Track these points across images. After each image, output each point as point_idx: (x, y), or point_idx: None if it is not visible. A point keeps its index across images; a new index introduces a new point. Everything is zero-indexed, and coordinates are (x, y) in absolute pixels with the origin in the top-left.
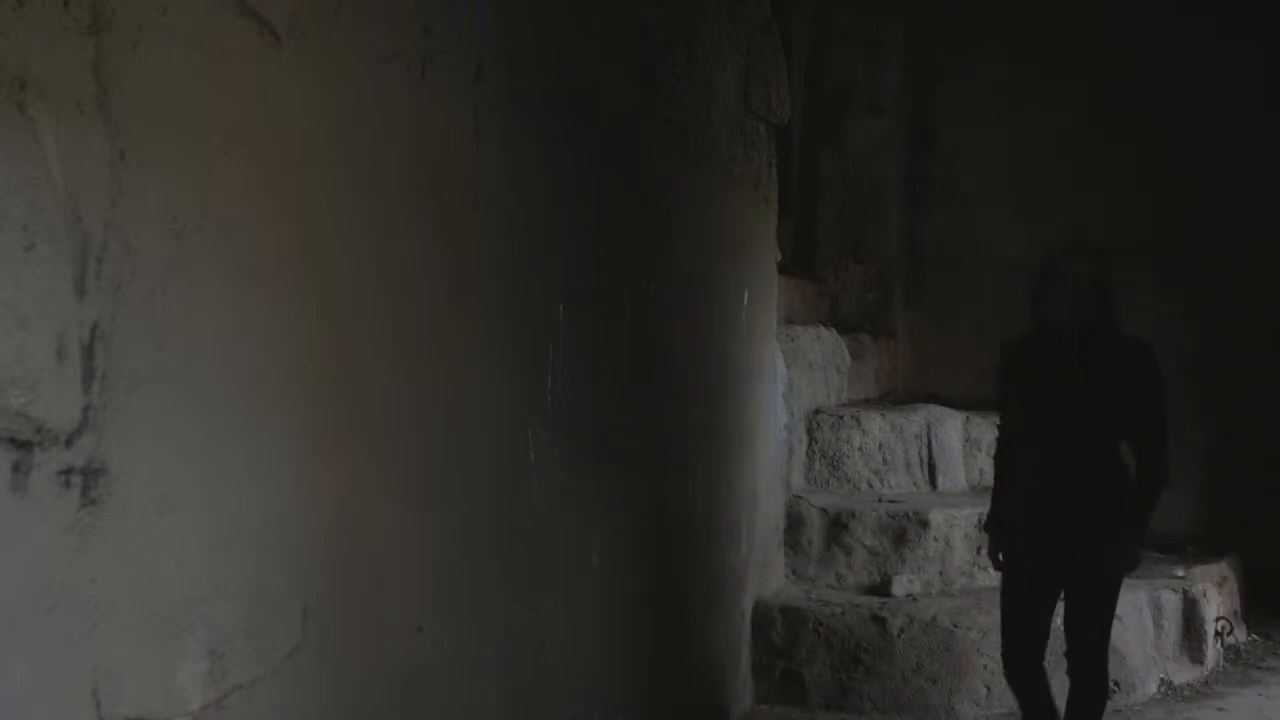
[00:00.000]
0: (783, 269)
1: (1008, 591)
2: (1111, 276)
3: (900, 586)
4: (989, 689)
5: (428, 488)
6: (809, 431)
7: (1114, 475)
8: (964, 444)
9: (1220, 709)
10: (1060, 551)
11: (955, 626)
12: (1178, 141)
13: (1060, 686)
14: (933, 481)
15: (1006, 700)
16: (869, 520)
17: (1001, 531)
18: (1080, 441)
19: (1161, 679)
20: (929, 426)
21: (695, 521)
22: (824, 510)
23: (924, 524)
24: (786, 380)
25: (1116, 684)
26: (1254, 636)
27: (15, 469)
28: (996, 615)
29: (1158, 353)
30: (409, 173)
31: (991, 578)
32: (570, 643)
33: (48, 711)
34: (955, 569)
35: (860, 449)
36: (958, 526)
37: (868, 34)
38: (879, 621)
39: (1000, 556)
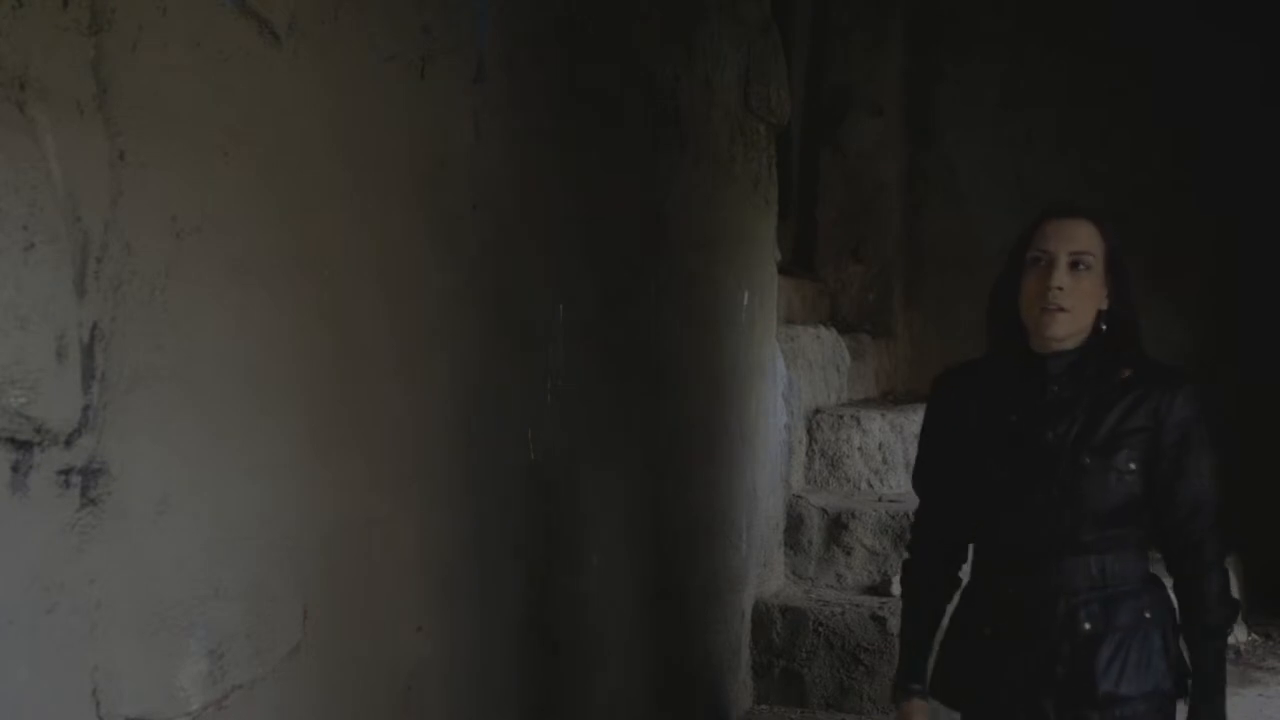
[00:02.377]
0: (783, 269)
1: None
2: (1124, 258)
3: (900, 587)
4: None
5: (428, 488)
6: (808, 431)
7: (1150, 604)
8: None
9: None
10: None
11: None
12: (1178, 141)
13: None
14: None
15: None
16: (869, 520)
17: (950, 703)
18: (1084, 543)
19: None
20: None
21: (695, 521)
22: (824, 510)
23: None
24: (786, 380)
25: None
26: (1254, 636)
27: (15, 469)
28: None
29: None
30: (409, 173)
31: None
32: (570, 642)
33: (48, 711)
34: None
35: (860, 449)
36: None
37: (868, 34)
38: (879, 621)
39: None
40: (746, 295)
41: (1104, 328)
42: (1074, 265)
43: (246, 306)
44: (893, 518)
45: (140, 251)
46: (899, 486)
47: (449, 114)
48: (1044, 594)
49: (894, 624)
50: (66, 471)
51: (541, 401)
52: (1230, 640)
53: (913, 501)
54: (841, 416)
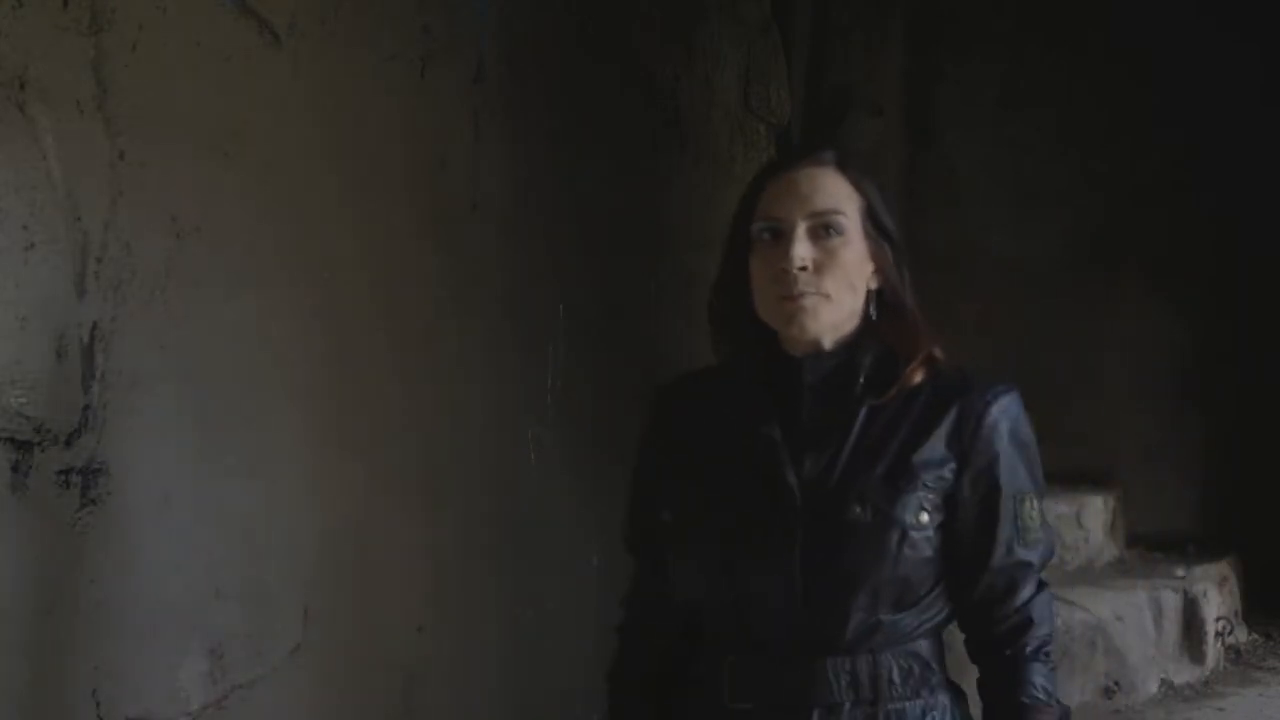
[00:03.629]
0: None
1: None
2: (891, 227)
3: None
4: None
5: (428, 488)
6: None
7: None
8: None
9: (1220, 709)
10: None
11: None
12: (1178, 141)
13: None
14: None
15: None
16: None
17: None
18: (851, 636)
19: (1162, 679)
20: None
21: None
22: None
23: None
24: None
25: (1117, 684)
26: (1254, 636)
27: (15, 469)
28: None
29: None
30: (409, 172)
31: None
32: (570, 642)
33: (48, 711)
34: None
35: None
36: None
37: (868, 34)
38: None
39: None
40: None
41: (873, 315)
42: (820, 232)
43: (246, 306)
44: None
45: (140, 251)
46: None
47: (449, 114)
48: (791, 709)
49: None
50: (66, 471)
51: (542, 402)
52: (1230, 640)
53: None
54: None
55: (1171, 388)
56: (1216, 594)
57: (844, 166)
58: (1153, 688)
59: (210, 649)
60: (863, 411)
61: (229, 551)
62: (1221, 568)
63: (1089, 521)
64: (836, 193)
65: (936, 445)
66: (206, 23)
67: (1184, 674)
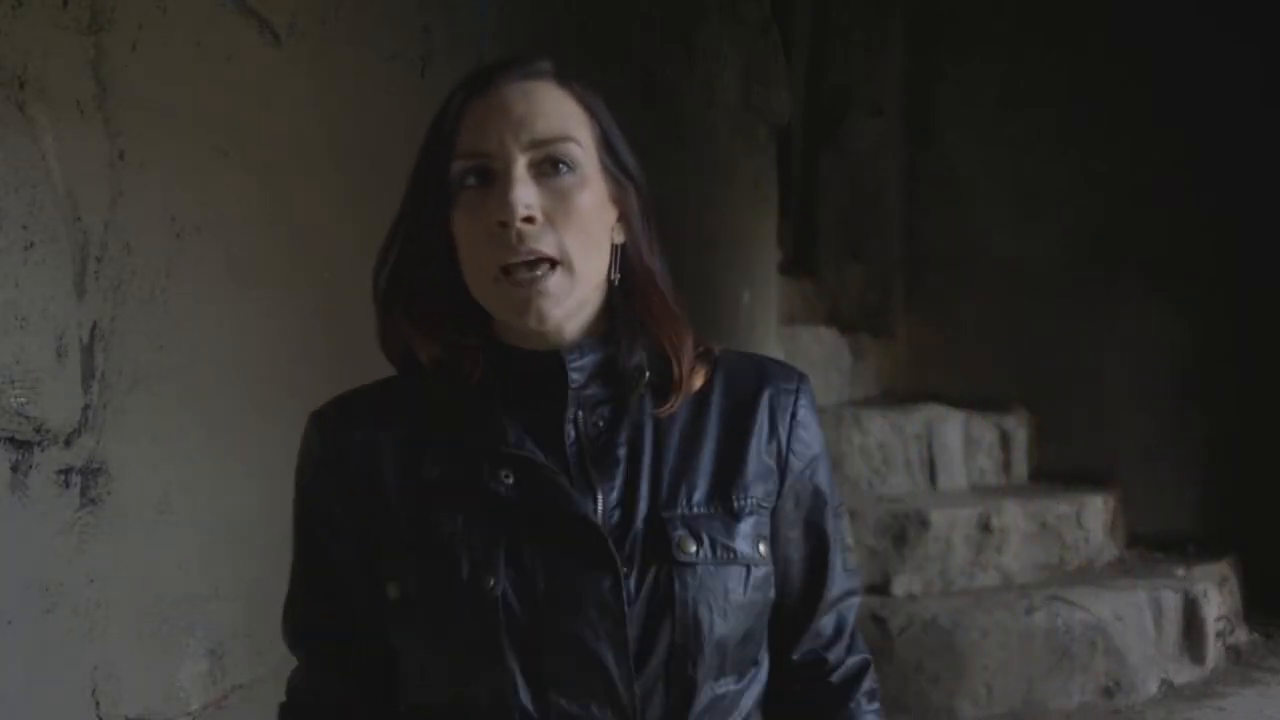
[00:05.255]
0: (783, 269)
1: None
2: (631, 161)
3: (900, 586)
4: (989, 689)
5: None
6: None
7: None
8: (964, 444)
9: (1220, 709)
10: None
11: (955, 626)
12: (1178, 141)
13: None
14: (933, 481)
15: (1006, 700)
16: (869, 520)
17: None
18: (696, 714)
19: (1162, 679)
20: (929, 426)
21: None
22: None
23: (924, 524)
24: None
25: (1117, 684)
26: (1254, 636)
27: (15, 469)
28: (997, 615)
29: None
30: (409, 173)
31: (992, 576)
32: None
33: (48, 711)
34: (955, 569)
35: (860, 448)
36: (958, 526)
37: (868, 34)
38: (879, 621)
39: None
40: (747, 295)
41: (614, 278)
42: (546, 168)
43: (246, 306)
44: (893, 518)
45: (140, 251)
46: (899, 486)
47: None
48: None
49: (895, 624)
50: (66, 471)
51: None
52: (1231, 640)
53: (913, 502)
54: (841, 416)
55: (1171, 388)
56: (1216, 594)
57: (565, 79)
58: (1153, 688)
59: (210, 649)
60: (648, 423)
61: (229, 551)
62: (1221, 568)
63: (1089, 521)
64: (563, 114)
65: (757, 452)
66: (206, 23)
67: (1184, 674)
